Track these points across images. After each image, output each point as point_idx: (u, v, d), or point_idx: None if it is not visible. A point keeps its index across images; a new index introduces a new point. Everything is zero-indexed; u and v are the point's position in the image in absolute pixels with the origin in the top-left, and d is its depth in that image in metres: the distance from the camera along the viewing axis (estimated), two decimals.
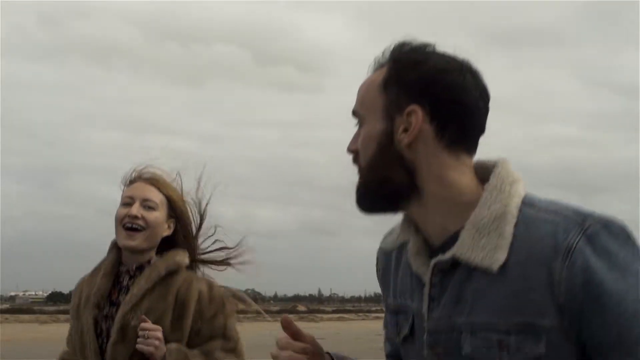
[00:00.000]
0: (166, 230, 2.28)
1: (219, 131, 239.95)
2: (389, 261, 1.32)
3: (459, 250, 1.12)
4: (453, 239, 1.14)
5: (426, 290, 1.16)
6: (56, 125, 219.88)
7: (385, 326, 1.37)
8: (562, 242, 1.05)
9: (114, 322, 2.19)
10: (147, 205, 2.23)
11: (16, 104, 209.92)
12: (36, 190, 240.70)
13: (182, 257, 2.27)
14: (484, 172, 1.17)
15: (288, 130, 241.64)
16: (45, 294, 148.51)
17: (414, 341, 1.22)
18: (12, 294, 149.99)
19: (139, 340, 2.12)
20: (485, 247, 1.10)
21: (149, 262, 2.27)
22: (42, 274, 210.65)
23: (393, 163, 1.15)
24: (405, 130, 1.14)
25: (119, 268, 2.30)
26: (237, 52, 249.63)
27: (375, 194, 1.18)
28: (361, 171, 1.19)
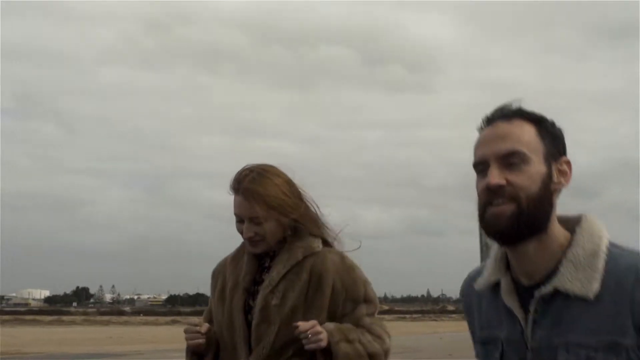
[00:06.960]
0: (286, 228, 2.37)
1: (326, 133, 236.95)
2: (474, 298, 1.61)
3: (559, 282, 1.40)
4: (549, 275, 1.42)
5: (530, 316, 1.43)
6: (164, 131, 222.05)
7: (477, 355, 1.63)
8: None
9: (256, 304, 2.33)
10: (255, 222, 2.31)
11: (124, 111, 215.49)
12: (144, 195, 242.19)
13: (318, 244, 2.38)
14: (562, 221, 1.47)
15: (394, 131, 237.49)
16: (162, 297, 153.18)
17: None
18: (127, 296, 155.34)
19: (304, 341, 2.21)
20: (582, 279, 1.38)
21: (285, 239, 2.37)
22: (151, 277, 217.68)
23: (550, 202, 1.42)
24: (562, 176, 1.44)
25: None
26: (343, 53, 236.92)
27: (529, 226, 1.39)
28: (521, 203, 1.38)
